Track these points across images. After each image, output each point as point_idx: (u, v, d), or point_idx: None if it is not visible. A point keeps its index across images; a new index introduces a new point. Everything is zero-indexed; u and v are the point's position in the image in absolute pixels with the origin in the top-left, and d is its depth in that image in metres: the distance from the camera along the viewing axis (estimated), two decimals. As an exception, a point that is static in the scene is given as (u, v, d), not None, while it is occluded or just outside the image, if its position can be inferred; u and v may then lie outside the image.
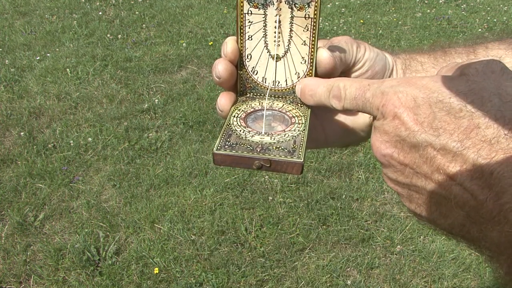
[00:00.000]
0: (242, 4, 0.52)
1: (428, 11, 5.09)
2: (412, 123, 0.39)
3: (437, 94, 0.38)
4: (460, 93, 0.38)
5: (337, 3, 5.21)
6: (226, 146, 0.48)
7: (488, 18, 4.94)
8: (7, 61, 3.90)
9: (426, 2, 5.34)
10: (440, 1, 5.35)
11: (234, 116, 0.53)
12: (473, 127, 0.36)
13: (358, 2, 5.26)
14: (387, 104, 0.41)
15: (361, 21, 4.80)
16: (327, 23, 4.74)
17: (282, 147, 0.48)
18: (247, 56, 0.56)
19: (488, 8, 5.20)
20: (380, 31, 4.60)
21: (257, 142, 0.49)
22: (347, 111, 0.50)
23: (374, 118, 0.43)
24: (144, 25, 4.66)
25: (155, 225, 2.40)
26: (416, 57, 0.63)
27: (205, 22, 4.73)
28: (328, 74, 0.54)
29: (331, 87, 0.48)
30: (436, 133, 0.37)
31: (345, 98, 0.46)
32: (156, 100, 3.40)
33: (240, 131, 0.51)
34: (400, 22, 4.79)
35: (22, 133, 3.03)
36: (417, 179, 0.40)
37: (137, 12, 4.92)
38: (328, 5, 5.13)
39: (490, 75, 0.39)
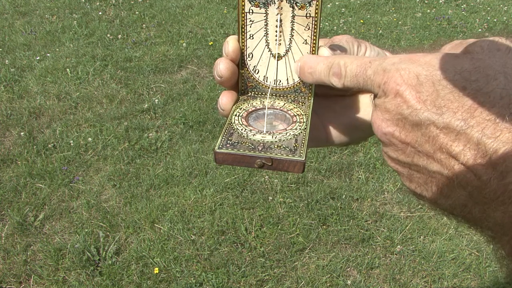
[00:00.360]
0: (243, 3, 0.52)
1: (428, 11, 5.09)
2: (415, 101, 0.38)
3: (440, 71, 0.38)
4: (464, 71, 0.37)
5: (337, 3, 5.21)
6: (228, 145, 0.48)
7: (488, 18, 4.94)
8: (7, 61, 3.90)
9: (426, 2, 5.34)
10: (440, 1, 5.35)
11: (236, 115, 0.53)
12: (477, 106, 0.35)
13: (358, 2, 5.26)
14: (389, 81, 0.40)
15: (361, 21, 4.80)
16: (327, 23, 4.74)
17: (284, 146, 0.48)
18: (249, 55, 0.56)
19: (488, 8, 5.20)
20: (380, 31, 4.60)
21: (258, 140, 0.49)
22: (347, 89, 0.50)
23: (375, 96, 0.43)
24: (144, 25, 4.66)
25: (155, 225, 2.40)
26: None
27: (205, 22, 4.73)
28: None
29: (331, 64, 0.47)
30: (439, 112, 0.36)
31: (345, 76, 0.46)
32: (156, 100, 3.40)
33: (241, 129, 0.51)
34: (400, 22, 4.79)
35: (22, 133, 3.03)
36: (419, 159, 0.39)
37: (137, 12, 4.92)
38: (328, 5, 5.13)
39: (496, 53, 0.38)
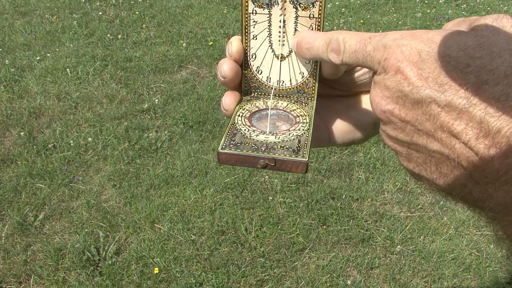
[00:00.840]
0: (246, 3, 0.53)
1: (428, 11, 5.09)
2: (416, 78, 0.37)
3: (443, 48, 0.36)
4: (468, 47, 0.35)
5: (337, 3, 5.21)
6: (231, 145, 0.48)
7: None
8: (7, 61, 3.90)
9: (426, 2, 5.34)
10: (440, 1, 5.35)
11: (239, 115, 0.54)
12: (480, 83, 0.34)
13: (358, 2, 5.26)
14: (390, 57, 0.39)
15: (361, 21, 4.80)
16: (327, 23, 4.74)
17: (287, 146, 0.48)
18: (252, 56, 0.56)
19: (488, 8, 5.20)
20: (380, 31, 4.59)
21: (261, 141, 0.49)
22: (345, 65, 0.49)
23: (375, 73, 0.41)
24: (144, 25, 4.66)
25: (155, 225, 2.40)
26: None
27: (205, 22, 4.73)
28: (332, 73, 0.54)
29: (330, 39, 0.46)
30: (441, 89, 0.35)
31: (344, 52, 0.44)
32: (156, 100, 3.40)
33: (244, 130, 0.51)
34: (400, 22, 4.80)
35: (22, 133, 3.03)
36: (418, 137, 0.38)
37: (137, 12, 4.92)
38: (328, 5, 5.13)
39: (501, 30, 0.37)
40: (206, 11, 4.99)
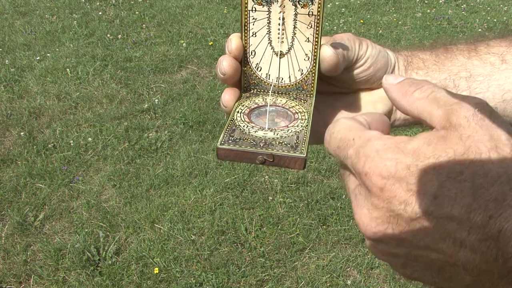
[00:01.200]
0: (246, 1, 0.53)
1: (428, 11, 5.09)
2: (407, 195, 0.34)
3: (432, 159, 0.35)
4: (457, 154, 0.34)
5: (337, 3, 5.21)
6: (230, 141, 0.48)
7: (488, 18, 4.94)
8: (7, 61, 3.90)
9: (426, 2, 5.34)
10: (440, 1, 5.35)
11: (238, 111, 0.54)
12: (476, 188, 0.33)
13: (358, 2, 5.26)
14: (372, 173, 0.36)
15: (361, 21, 4.80)
16: (327, 23, 4.74)
17: (285, 142, 0.48)
18: (251, 53, 0.56)
19: (488, 8, 5.20)
20: (380, 31, 4.60)
21: (260, 137, 0.49)
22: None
23: (358, 181, 0.39)
24: (144, 25, 4.66)
25: (155, 225, 2.40)
26: (418, 54, 0.63)
27: (205, 22, 4.73)
28: (331, 70, 0.54)
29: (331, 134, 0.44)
30: (437, 201, 0.34)
31: (329, 143, 0.43)
32: (156, 100, 3.40)
33: (243, 126, 0.51)
34: (400, 22, 4.80)
35: (22, 133, 3.03)
36: (417, 250, 0.36)
37: (137, 12, 4.92)
38: (328, 5, 5.13)
39: (482, 123, 0.35)
40: (206, 11, 4.99)
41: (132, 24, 4.67)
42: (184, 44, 4.25)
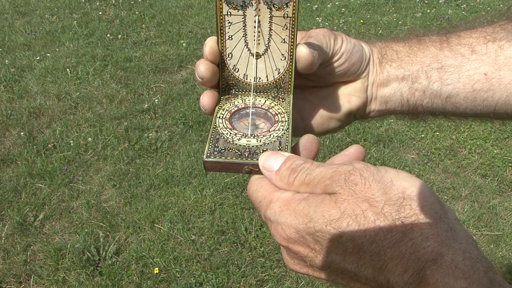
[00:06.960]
0: (221, 6, 0.54)
1: (428, 11, 5.09)
2: (306, 252, 0.41)
3: (313, 223, 0.40)
4: (333, 219, 0.39)
5: (337, 3, 5.21)
6: (216, 153, 0.50)
7: (488, 18, 4.93)
8: (7, 61, 3.90)
9: (426, 2, 5.34)
10: (440, 1, 5.35)
11: (219, 117, 0.56)
12: (358, 249, 0.38)
13: (358, 2, 5.26)
14: (276, 234, 0.43)
15: (361, 21, 4.80)
16: (327, 23, 4.74)
17: (269, 150, 0.50)
18: (228, 55, 0.58)
19: (488, 8, 5.20)
20: (380, 31, 4.60)
21: (244, 145, 0.51)
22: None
23: None
24: (144, 25, 4.66)
25: (155, 225, 2.40)
26: (392, 46, 0.65)
27: (205, 22, 4.73)
28: (307, 69, 0.55)
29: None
30: (332, 258, 0.39)
31: (250, 196, 0.50)
32: (156, 100, 3.40)
33: (227, 134, 0.53)
34: (400, 22, 4.80)
35: (22, 133, 3.03)
36: (337, 279, 0.43)
37: (137, 12, 4.92)
38: (328, 5, 5.13)
39: (355, 188, 0.40)
40: (206, 11, 4.99)
41: (132, 24, 4.67)
42: (184, 44, 4.26)
